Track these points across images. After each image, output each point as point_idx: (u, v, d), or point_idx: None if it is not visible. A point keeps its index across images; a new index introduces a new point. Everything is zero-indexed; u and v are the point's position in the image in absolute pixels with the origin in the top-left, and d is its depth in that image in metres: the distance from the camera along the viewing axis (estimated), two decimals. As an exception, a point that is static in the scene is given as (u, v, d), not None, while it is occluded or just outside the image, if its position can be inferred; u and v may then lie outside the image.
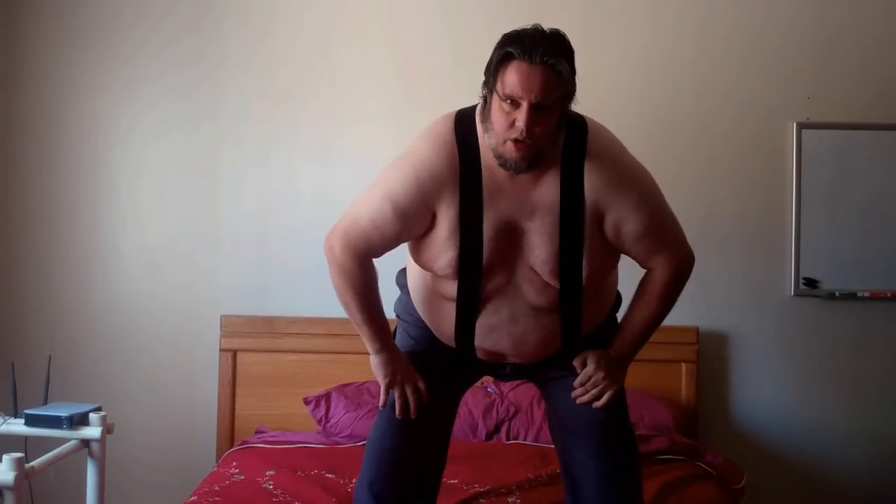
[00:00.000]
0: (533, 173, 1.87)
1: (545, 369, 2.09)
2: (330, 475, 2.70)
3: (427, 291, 2.06)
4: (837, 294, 3.35)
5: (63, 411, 2.55)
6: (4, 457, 2.23)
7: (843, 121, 3.37)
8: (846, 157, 3.36)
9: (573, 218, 1.89)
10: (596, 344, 2.05)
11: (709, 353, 3.36)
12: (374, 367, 2.09)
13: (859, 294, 3.35)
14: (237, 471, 2.74)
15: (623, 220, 1.91)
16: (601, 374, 2.01)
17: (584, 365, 2.02)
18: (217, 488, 2.59)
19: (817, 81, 3.39)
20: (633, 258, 2.00)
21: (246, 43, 3.41)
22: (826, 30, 3.40)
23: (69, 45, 3.40)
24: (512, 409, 3.05)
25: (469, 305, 1.98)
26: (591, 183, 1.88)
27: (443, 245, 1.92)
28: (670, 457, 2.84)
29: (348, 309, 2.05)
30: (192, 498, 2.51)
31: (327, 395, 3.12)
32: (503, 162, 1.83)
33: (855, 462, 3.37)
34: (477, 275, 1.93)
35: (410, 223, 1.92)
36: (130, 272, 3.40)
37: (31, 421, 2.54)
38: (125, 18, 3.40)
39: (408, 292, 2.18)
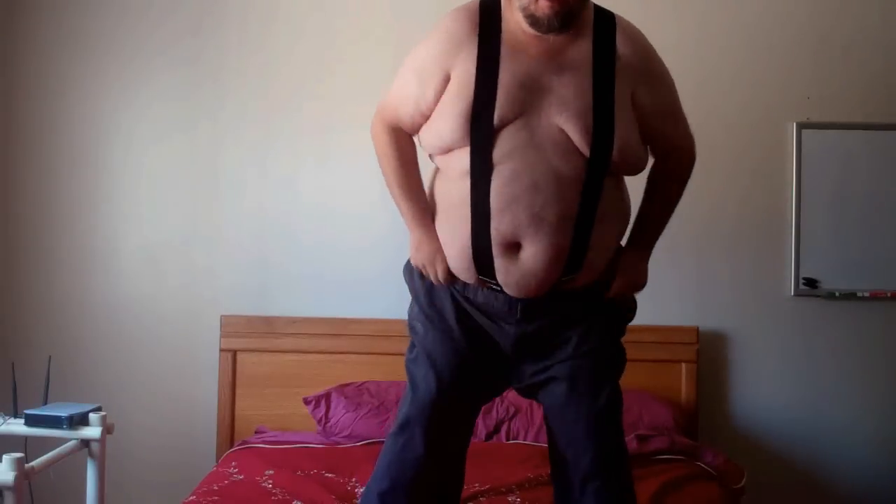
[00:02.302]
0: (564, 35, 1.89)
1: (550, 335, 2.00)
2: (330, 475, 2.70)
3: (442, 199, 2.01)
4: (837, 294, 3.35)
5: (63, 411, 2.55)
6: (4, 457, 2.23)
7: (843, 121, 3.37)
8: (846, 157, 3.36)
9: (605, 78, 1.90)
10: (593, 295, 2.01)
11: (709, 353, 3.36)
12: (410, 247, 2.07)
13: (859, 294, 3.35)
14: (236, 470, 2.75)
15: (653, 90, 1.97)
16: (631, 287, 2.06)
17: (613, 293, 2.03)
18: (216, 487, 2.59)
19: (817, 81, 3.39)
20: (652, 138, 2.01)
21: (246, 43, 3.41)
22: (826, 30, 3.40)
23: (70, 46, 3.40)
24: (512, 409, 3.06)
25: (484, 170, 1.89)
26: (624, 49, 1.93)
27: (456, 98, 1.91)
28: (670, 457, 2.84)
29: (388, 184, 2.08)
30: (191, 497, 2.52)
31: (327, 395, 3.13)
32: (534, 21, 1.85)
33: (855, 462, 3.37)
34: (490, 129, 1.88)
35: (426, 81, 1.95)
36: (130, 272, 3.40)
37: (31, 421, 2.54)
38: (126, 19, 3.40)
39: (411, 274, 2.12)
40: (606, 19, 1.97)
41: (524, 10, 1.86)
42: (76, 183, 3.40)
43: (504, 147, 1.88)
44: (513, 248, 1.92)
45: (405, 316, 3.34)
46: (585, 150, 1.88)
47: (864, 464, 3.37)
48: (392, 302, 3.32)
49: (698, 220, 3.31)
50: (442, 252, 2.00)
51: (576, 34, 1.91)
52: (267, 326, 3.34)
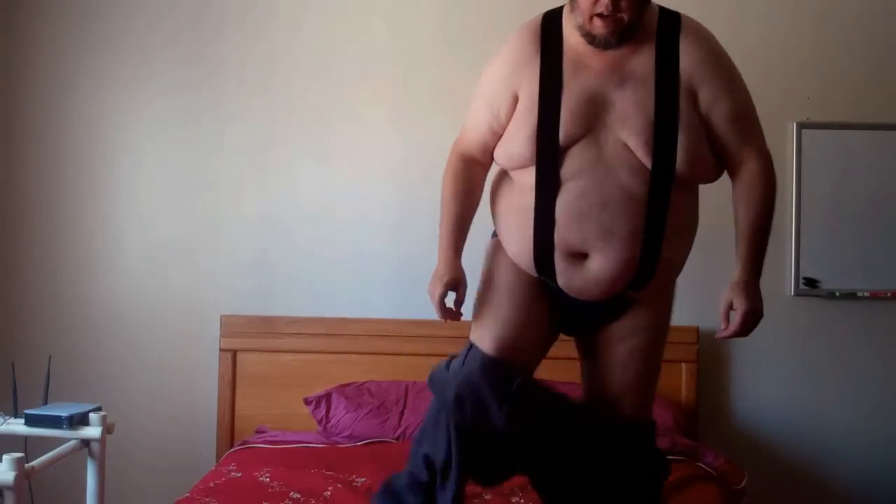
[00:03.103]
0: (625, 47, 1.88)
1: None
2: (329, 472, 2.70)
3: (507, 204, 2.04)
4: (837, 294, 3.35)
5: (63, 411, 2.55)
6: (4, 457, 2.23)
7: (843, 121, 3.37)
8: (846, 157, 3.36)
9: (668, 88, 1.89)
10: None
11: (709, 353, 3.36)
12: (438, 265, 2.05)
13: (859, 294, 3.35)
14: (234, 468, 2.75)
15: (718, 98, 1.93)
16: (753, 315, 1.98)
17: (729, 311, 1.99)
18: (212, 485, 2.59)
19: (817, 81, 3.39)
20: (723, 146, 1.95)
21: (246, 43, 3.41)
22: (826, 30, 3.40)
23: (70, 46, 3.40)
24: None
25: (549, 186, 1.90)
26: (687, 57, 1.91)
27: (522, 120, 1.93)
28: (671, 457, 2.83)
29: (441, 202, 2.08)
30: (187, 495, 2.52)
31: (327, 395, 3.12)
32: (591, 39, 1.86)
33: (855, 462, 3.37)
34: (556, 149, 1.89)
35: (495, 110, 1.98)
36: (131, 272, 3.40)
37: (31, 421, 2.54)
38: (126, 20, 3.40)
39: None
40: (671, 22, 1.94)
41: (580, 28, 1.87)
42: (76, 183, 3.40)
43: (572, 165, 1.90)
44: (578, 256, 1.95)
45: (405, 316, 3.36)
46: (649, 165, 1.88)
47: (865, 464, 3.37)
48: (392, 302, 3.33)
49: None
50: (445, 282, 2.00)
51: (638, 44, 1.91)
52: (267, 326, 3.33)
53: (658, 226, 1.91)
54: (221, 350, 3.33)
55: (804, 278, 3.35)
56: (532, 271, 2.02)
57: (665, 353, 3.22)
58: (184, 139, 3.41)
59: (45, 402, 2.68)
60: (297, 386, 3.25)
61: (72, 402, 2.75)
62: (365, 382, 3.19)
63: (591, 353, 2.13)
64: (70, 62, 3.40)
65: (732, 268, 2.03)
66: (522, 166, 1.97)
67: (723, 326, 2.02)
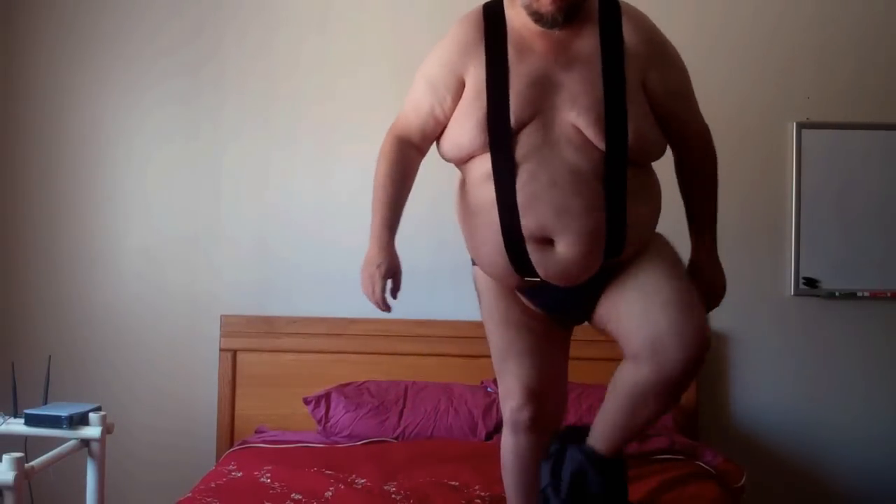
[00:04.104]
0: (569, 28, 1.89)
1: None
2: (329, 472, 2.70)
3: (469, 205, 2.02)
4: (837, 294, 3.35)
5: (63, 411, 2.55)
6: (4, 457, 2.23)
7: (843, 121, 3.37)
8: (846, 157, 3.36)
9: (614, 67, 1.90)
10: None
11: (709, 353, 3.34)
12: (370, 250, 2.03)
13: (859, 294, 3.35)
14: (235, 468, 2.75)
15: (664, 75, 1.97)
16: (720, 292, 2.09)
17: None
18: (213, 485, 2.59)
19: (817, 81, 3.39)
20: (670, 121, 2.00)
21: (248, 45, 3.42)
22: (826, 29, 3.39)
23: (71, 47, 3.41)
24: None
25: (506, 172, 1.89)
26: (631, 36, 1.93)
27: (470, 106, 1.93)
28: (670, 456, 2.83)
29: (374, 187, 2.06)
30: (188, 495, 2.52)
31: (327, 395, 3.12)
32: (538, 18, 1.87)
33: (855, 462, 3.37)
34: (507, 133, 1.89)
35: (440, 94, 1.97)
36: (131, 272, 3.40)
37: (31, 421, 2.54)
38: (128, 20, 3.41)
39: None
40: (611, 7, 1.97)
41: (527, 7, 1.88)
42: (77, 183, 3.41)
43: (522, 148, 1.89)
44: (546, 243, 1.93)
45: (405, 316, 3.36)
46: (600, 143, 1.88)
47: (864, 463, 3.37)
48: (392, 302, 3.32)
49: (698, 220, 3.32)
50: (382, 272, 2.00)
51: (581, 26, 1.92)
52: (267, 326, 3.34)
53: (619, 198, 1.91)
54: (221, 350, 3.33)
55: (804, 278, 3.35)
56: (511, 271, 1.99)
57: None
58: (185, 140, 3.41)
59: (45, 402, 2.68)
60: (296, 386, 3.25)
61: (72, 402, 2.75)
62: (364, 382, 3.18)
63: (614, 303, 1.99)
64: (71, 64, 3.41)
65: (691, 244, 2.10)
66: (472, 155, 1.95)
67: None
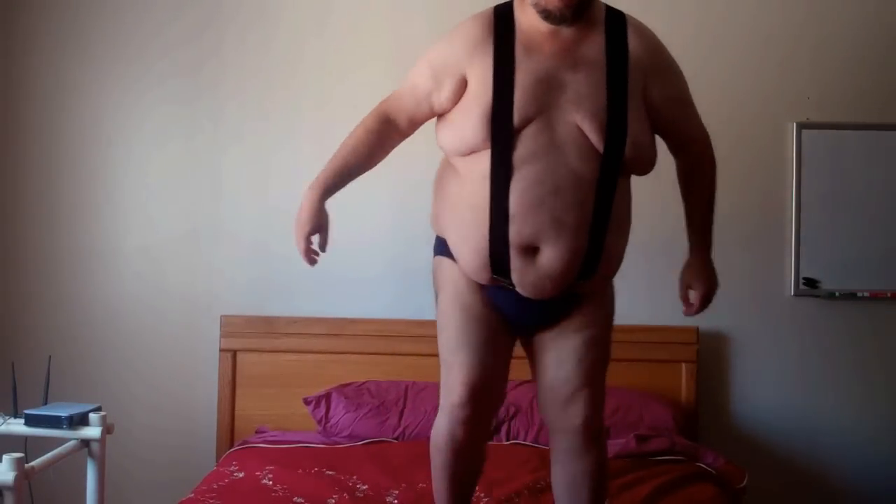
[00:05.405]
0: (576, 30, 1.92)
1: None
2: (330, 472, 2.70)
3: (457, 199, 2.03)
4: (837, 294, 3.35)
5: (63, 411, 2.55)
6: (4, 457, 2.22)
7: (843, 121, 3.37)
8: (846, 157, 3.36)
9: (619, 73, 1.93)
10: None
11: (709, 353, 3.36)
12: (301, 205, 2.13)
13: (859, 294, 3.35)
14: (237, 469, 2.75)
15: (665, 84, 2.01)
16: (712, 292, 2.15)
17: (688, 291, 2.16)
18: (216, 486, 2.59)
19: (817, 81, 3.39)
20: (671, 130, 2.06)
21: (248, 46, 3.41)
22: (826, 29, 3.39)
23: (71, 47, 3.40)
24: (512, 410, 3.05)
25: (504, 171, 1.90)
26: (635, 43, 1.97)
27: (474, 101, 1.94)
28: (670, 458, 2.83)
29: (340, 145, 2.14)
30: (191, 495, 2.52)
31: (327, 396, 3.12)
32: (546, 14, 1.89)
33: (855, 462, 3.37)
34: (510, 130, 1.89)
35: (440, 80, 1.99)
36: (131, 272, 3.40)
37: (31, 421, 2.54)
38: (128, 20, 3.40)
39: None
40: (617, 17, 2.01)
41: (536, 4, 1.90)
42: (76, 183, 3.40)
43: (525, 149, 1.90)
44: (530, 251, 1.94)
45: (405, 316, 3.36)
46: (600, 147, 1.90)
47: (864, 463, 3.37)
48: (392, 302, 3.33)
49: (698, 220, 3.32)
50: (308, 229, 2.14)
51: (588, 31, 1.95)
52: (267, 326, 3.34)
53: (604, 214, 1.94)
54: (221, 350, 3.33)
55: (804, 278, 3.35)
56: (485, 273, 2.00)
57: (665, 353, 3.30)
58: (185, 140, 3.41)
59: (45, 403, 2.67)
60: (296, 386, 3.25)
61: (72, 402, 2.75)
62: (364, 382, 3.18)
63: (543, 351, 2.10)
64: (71, 64, 3.40)
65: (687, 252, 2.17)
66: (474, 150, 1.95)
67: (685, 307, 2.19)
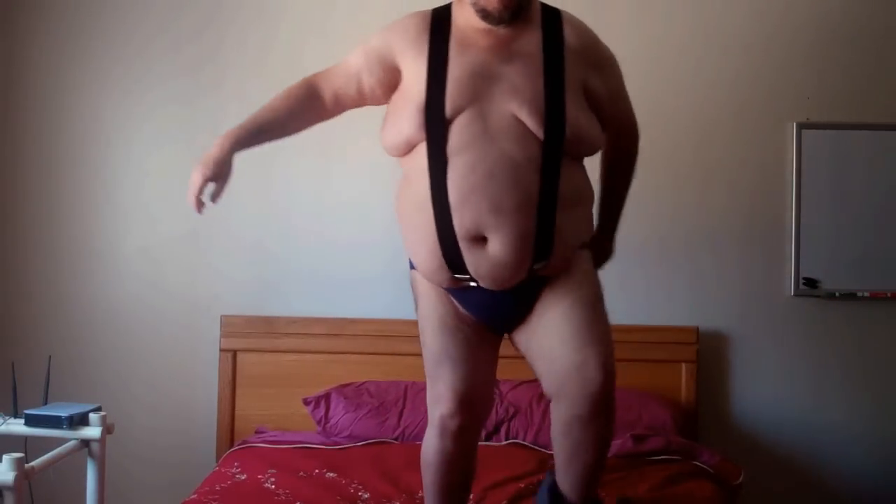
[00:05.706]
0: (511, 28, 1.96)
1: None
2: (331, 474, 2.70)
3: (407, 203, 2.06)
4: (837, 294, 3.35)
5: (63, 411, 2.55)
6: (4, 457, 2.23)
7: (843, 121, 3.37)
8: (846, 157, 3.36)
9: (555, 63, 1.97)
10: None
11: (709, 353, 3.36)
12: (211, 149, 2.13)
13: (859, 294, 3.35)
14: (238, 470, 2.74)
15: (605, 77, 2.07)
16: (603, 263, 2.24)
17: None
18: (218, 487, 2.59)
19: (817, 81, 3.39)
20: (610, 121, 2.11)
21: (248, 46, 3.42)
22: (826, 29, 3.39)
23: (71, 47, 3.40)
24: (511, 410, 3.05)
25: (439, 162, 1.93)
26: (571, 38, 2.01)
27: (408, 94, 1.99)
28: (666, 457, 2.83)
29: (261, 106, 2.19)
30: (193, 496, 2.52)
31: (327, 396, 3.12)
32: (485, 14, 1.93)
33: (855, 462, 3.37)
34: (443, 120, 1.93)
35: (372, 65, 2.06)
36: (131, 272, 3.40)
37: (31, 421, 2.54)
38: (128, 21, 3.41)
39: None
40: (553, 14, 2.05)
41: (475, 4, 1.94)
42: (76, 183, 3.41)
43: (458, 139, 1.92)
44: (479, 241, 1.96)
45: (405, 316, 3.34)
46: (539, 133, 1.92)
47: (864, 463, 3.37)
48: (392, 302, 3.33)
49: (698, 221, 3.32)
50: (206, 174, 2.11)
51: (524, 27, 1.99)
52: (267, 326, 3.34)
53: (551, 196, 1.94)
54: (221, 350, 3.33)
55: (804, 278, 3.35)
56: (445, 273, 2.01)
57: (665, 353, 3.30)
58: (185, 140, 3.41)
59: (45, 402, 2.68)
60: (296, 386, 3.25)
61: (72, 402, 2.76)
62: (364, 383, 3.19)
63: (532, 336, 2.05)
64: (71, 64, 3.40)
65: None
66: (411, 143, 1.99)
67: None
